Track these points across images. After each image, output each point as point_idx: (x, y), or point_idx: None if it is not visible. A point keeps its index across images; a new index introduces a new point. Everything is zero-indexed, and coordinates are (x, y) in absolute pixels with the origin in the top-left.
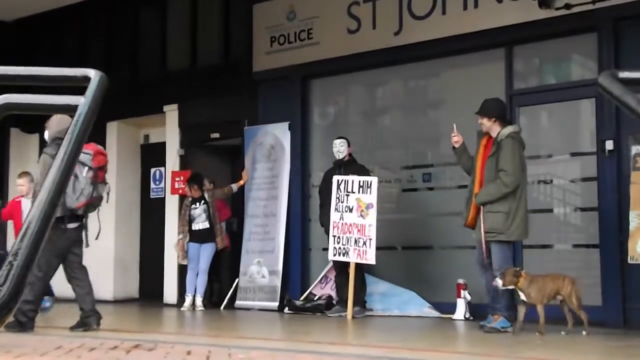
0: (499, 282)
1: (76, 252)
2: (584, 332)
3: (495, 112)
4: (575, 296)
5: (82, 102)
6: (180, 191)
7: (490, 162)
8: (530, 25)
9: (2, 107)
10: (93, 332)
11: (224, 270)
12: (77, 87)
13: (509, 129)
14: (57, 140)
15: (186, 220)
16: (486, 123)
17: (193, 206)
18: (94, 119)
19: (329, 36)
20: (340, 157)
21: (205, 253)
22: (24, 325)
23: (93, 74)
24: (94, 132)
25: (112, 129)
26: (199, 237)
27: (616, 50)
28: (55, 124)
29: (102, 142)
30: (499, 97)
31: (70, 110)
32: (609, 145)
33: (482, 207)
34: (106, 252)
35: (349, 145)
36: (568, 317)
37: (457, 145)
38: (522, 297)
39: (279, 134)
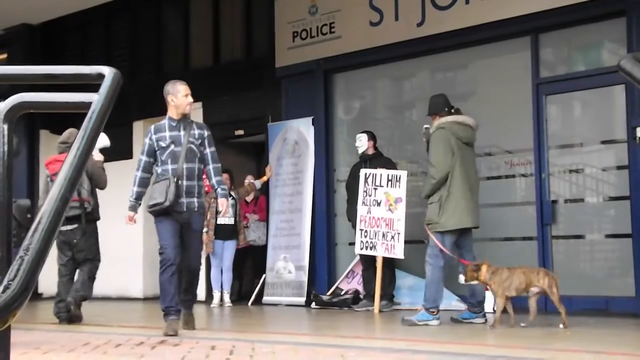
0: (461, 277)
1: (66, 254)
2: (561, 326)
3: (430, 109)
4: (555, 287)
5: (95, 99)
6: (206, 188)
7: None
8: (556, 11)
9: (17, 106)
10: (121, 329)
11: (252, 267)
12: (93, 84)
13: (439, 121)
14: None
15: (212, 213)
16: (431, 121)
17: None
18: (107, 116)
19: (351, 29)
20: (361, 151)
21: (228, 250)
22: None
23: (107, 71)
24: (120, 131)
25: (138, 129)
26: (223, 233)
27: None
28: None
29: (129, 141)
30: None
31: (84, 107)
32: None
33: None
34: (135, 251)
35: (371, 139)
36: (532, 310)
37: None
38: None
39: (303, 129)
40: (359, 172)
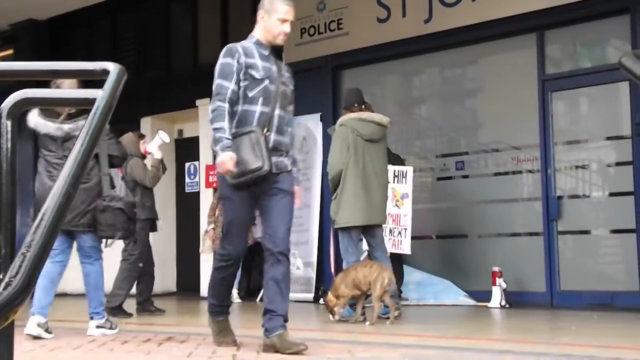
0: (331, 318)
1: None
2: (367, 323)
3: (344, 104)
4: (379, 284)
5: (100, 95)
6: (215, 185)
7: None
8: (562, 9)
9: (21, 102)
10: (127, 326)
11: (260, 263)
12: (98, 80)
13: (341, 118)
14: None
15: (221, 209)
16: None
17: None
18: (112, 112)
19: (359, 26)
20: None
21: None
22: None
23: (112, 67)
24: (128, 127)
25: (146, 124)
26: None
27: None
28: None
29: None
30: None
31: (88, 103)
32: None
33: None
34: None
35: None
36: (390, 307)
37: None
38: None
39: (311, 125)
40: None
